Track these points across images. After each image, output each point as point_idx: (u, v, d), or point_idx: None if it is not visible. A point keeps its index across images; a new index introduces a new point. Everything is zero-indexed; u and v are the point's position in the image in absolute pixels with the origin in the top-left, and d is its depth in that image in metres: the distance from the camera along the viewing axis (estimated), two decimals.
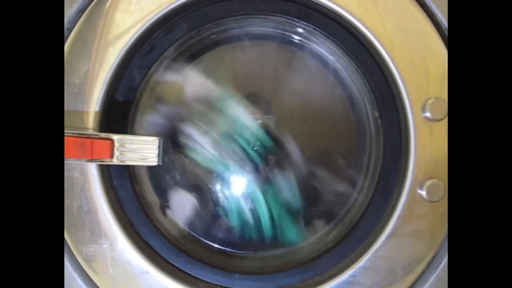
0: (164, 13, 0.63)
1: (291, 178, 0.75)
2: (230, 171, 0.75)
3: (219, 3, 0.67)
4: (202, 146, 0.74)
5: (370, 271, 0.65)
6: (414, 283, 0.66)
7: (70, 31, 0.63)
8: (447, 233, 0.65)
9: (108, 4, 0.63)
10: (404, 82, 0.64)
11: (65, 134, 0.58)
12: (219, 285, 0.67)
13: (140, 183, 0.71)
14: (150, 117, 0.73)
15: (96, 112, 0.63)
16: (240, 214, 0.76)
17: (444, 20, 0.65)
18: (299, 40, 0.76)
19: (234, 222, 0.76)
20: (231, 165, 0.75)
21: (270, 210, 0.75)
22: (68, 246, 0.64)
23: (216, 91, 0.75)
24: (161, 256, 0.67)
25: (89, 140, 0.59)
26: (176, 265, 0.67)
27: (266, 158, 0.75)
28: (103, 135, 0.61)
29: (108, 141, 0.61)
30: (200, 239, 0.76)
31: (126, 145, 0.62)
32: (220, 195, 0.76)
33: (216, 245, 0.76)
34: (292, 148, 0.75)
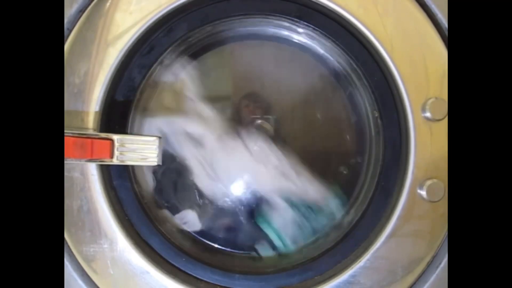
0: (164, 13, 0.63)
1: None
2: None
3: (219, 3, 0.67)
4: (202, 145, 0.74)
5: (370, 271, 0.65)
6: (414, 283, 0.66)
7: (70, 31, 0.63)
8: (447, 233, 0.65)
9: (108, 4, 0.63)
10: (404, 82, 0.64)
11: (65, 134, 0.58)
12: (219, 285, 0.67)
13: (140, 183, 0.71)
14: (150, 117, 0.73)
15: (96, 112, 0.63)
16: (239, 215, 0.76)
17: (444, 20, 0.65)
18: (299, 40, 0.76)
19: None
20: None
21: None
22: (68, 246, 0.64)
23: (216, 91, 0.76)
24: (161, 256, 0.67)
25: (89, 140, 0.59)
26: (176, 265, 0.67)
27: None
28: (103, 135, 0.61)
29: (108, 141, 0.61)
30: (200, 239, 0.76)
31: (126, 145, 0.62)
32: (220, 194, 0.76)
33: (216, 245, 0.76)
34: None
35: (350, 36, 0.67)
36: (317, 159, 0.78)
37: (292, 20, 0.68)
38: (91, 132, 0.62)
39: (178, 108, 0.74)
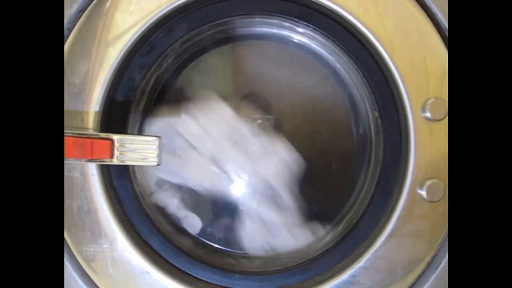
0: (164, 13, 0.63)
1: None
2: (229, 171, 0.75)
3: (219, 3, 0.67)
4: (202, 146, 0.74)
5: (370, 271, 0.65)
6: (414, 283, 0.66)
7: (70, 31, 0.63)
8: (447, 233, 0.65)
9: (108, 4, 0.63)
10: (404, 82, 0.64)
11: (65, 134, 0.58)
12: (219, 285, 0.67)
13: (140, 183, 0.71)
14: (150, 117, 0.73)
15: (96, 112, 0.63)
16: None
17: (444, 20, 0.65)
18: (299, 40, 0.76)
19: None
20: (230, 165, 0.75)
21: None
22: (68, 246, 0.64)
23: (216, 91, 0.76)
24: (161, 256, 0.67)
25: (89, 140, 0.59)
26: (176, 265, 0.67)
27: None
28: (103, 135, 0.61)
29: (108, 141, 0.61)
30: (200, 239, 0.76)
31: (126, 145, 0.62)
32: (220, 194, 0.76)
33: (216, 245, 0.76)
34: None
35: (350, 36, 0.67)
36: (317, 159, 0.78)
37: (292, 20, 0.68)
38: (91, 132, 0.62)
39: (178, 108, 0.74)
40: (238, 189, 0.76)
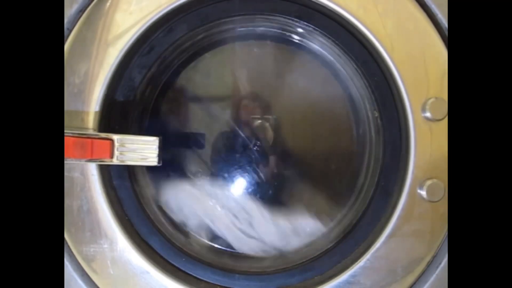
0: (164, 13, 0.63)
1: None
2: (229, 170, 0.75)
3: (219, 3, 0.67)
4: (201, 146, 0.74)
5: (370, 271, 0.65)
6: (414, 283, 0.66)
7: (70, 31, 0.63)
8: (447, 233, 0.65)
9: (108, 4, 0.63)
10: (404, 82, 0.64)
11: (65, 134, 0.58)
12: (219, 285, 0.67)
13: (140, 183, 0.71)
14: (150, 117, 0.73)
15: (96, 112, 0.63)
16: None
17: (444, 20, 0.65)
18: (299, 40, 0.76)
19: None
20: (230, 165, 0.75)
21: None
22: (68, 246, 0.64)
23: (216, 91, 0.76)
24: (161, 256, 0.67)
25: (89, 140, 0.59)
26: (176, 265, 0.67)
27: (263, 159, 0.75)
28: (103, 135, 0.61)
29: (108, 141, 0.61)
30: (200, 239, 0.76)
31: (126, 145, 0.62)
32: (220, 193, 0.76)
33: (216, 245, 0.76)
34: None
35: (350, 36, 0.67)
36: (317, 159, 0.78)
37: (292, 20, 0.68)
38: (91, 132, 0.62)
39: (178, 108, 0.74)
40: (238, 189, 0.76)
